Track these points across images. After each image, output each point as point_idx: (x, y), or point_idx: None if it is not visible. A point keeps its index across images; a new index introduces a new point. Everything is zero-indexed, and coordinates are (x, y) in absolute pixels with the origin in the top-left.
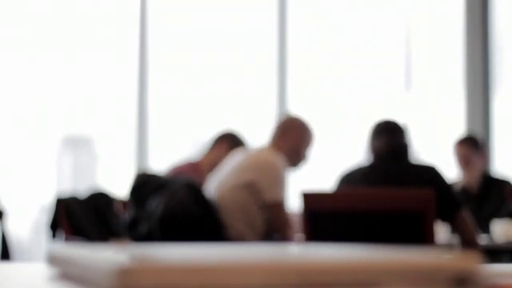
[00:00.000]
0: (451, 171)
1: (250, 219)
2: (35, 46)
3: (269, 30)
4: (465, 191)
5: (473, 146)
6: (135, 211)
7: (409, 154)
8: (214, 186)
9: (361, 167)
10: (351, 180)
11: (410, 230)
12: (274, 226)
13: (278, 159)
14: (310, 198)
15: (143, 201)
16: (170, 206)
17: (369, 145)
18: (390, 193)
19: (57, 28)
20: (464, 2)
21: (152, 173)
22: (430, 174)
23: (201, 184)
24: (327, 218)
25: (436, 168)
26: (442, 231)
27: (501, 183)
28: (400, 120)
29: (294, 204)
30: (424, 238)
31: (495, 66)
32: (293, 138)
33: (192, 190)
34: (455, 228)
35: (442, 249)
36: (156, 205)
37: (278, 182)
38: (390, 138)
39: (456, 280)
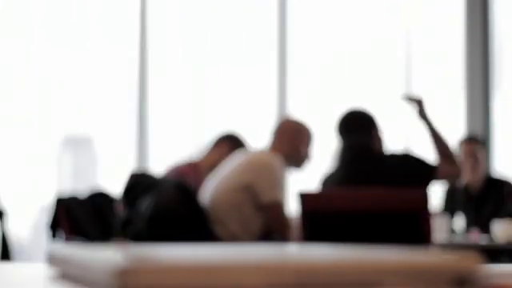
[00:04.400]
0: None
1: (245, 220)
2: (35, 46)
3: (269, 29)
4: (466, 191)
5: (478, 145)
6: (127, 211)
7: (372, 145)
8: (211, 187)
9: (336, 169)
10: (327, 183)
11: (407, 229)
12: (273, 226)
13: (276, 161)
14: (308, 199)
15: (135, 201)
16: (159, 207)
17: (337, 144)
18: (387, 193)
19: (57, 28)
20: (464, 2)
21: (144, 173)
22: (400, 160)
23: (197, 185)
24: (325, 218)
25: (407, 152)
26: (439, 230)
27: (501, 184)
28: (399, 119)
29: (293, 205)
30: (421, 237)
31: (495, 66)
32: (292, 141)
33: (181, 190)
34: (442, 171)
35: (441, 248)
36: (146, 205)
37: (276, 183)
38: (353, 136)
39: (456, 280)
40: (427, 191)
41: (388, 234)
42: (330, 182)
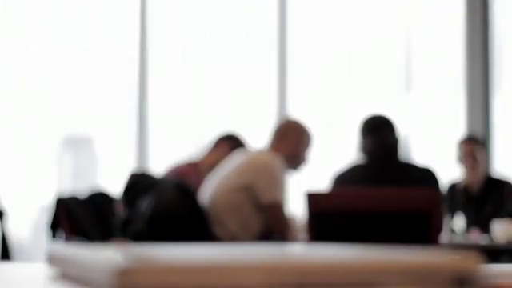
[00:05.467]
0: (451, 171)
1: (245, 220)
2: (35, 46)
3: (269, 29)
4: (466, 191)
5: (478, 145)
6: (127, 211)
7: (399, 150)
8: (211, 187)
9: (354, 167)
10: (345, 180)
11: (415, 230)
12: (273, 227)
13: (276, 161)
14: (314, 198)
15: (134, 201)
16: (159, 207)
17: (359, 143)
18: (395, 193)
19: (57, 28)
20: (464, 2)
21: (144, 173)
22: (427, 176)
23: (197, 185)
24: (332, 218)
25: (432, 171)
26: (446, 231)
27: (501, 184)
28: (398, 119)
29: (294, 205)
30: (429, 238)
31: (495, 66)
32: (292, 142)
33: (180, 190)
34: None
35: (446, 249)
36: (146, 205)
37: (276, 184)
38: (380, 137)
39: (456, 280)
40: (436, 191)
41: (396, 234)
42: (346, 178)
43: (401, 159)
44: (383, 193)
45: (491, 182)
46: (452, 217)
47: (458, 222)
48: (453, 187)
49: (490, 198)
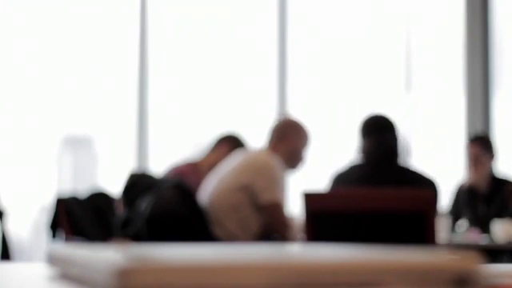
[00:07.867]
0: (451, 171)
1: (244, 220)
2: (35, 46)
3: (269, 30)
4: (471, 191)
5: (483, 146)
6: (127, 211)
7: (399, 152)
8: (210, 187)
9: (352, 167)
10: (343, 180)
11: (412, 230)
12: (272, 226)
13: (275, 161)
14: (311, 199)
15: (134, 201)
16: (158, 207)
17: (358, 143)
18: (391, 193)
19: (57, 28)
20: (464, 2)
21: (144, 173)
22: (423, 183)
23: (197, 185)
24: (329, 218)
25: (430, 178)
26: (441, 230)
27: (504, 183)
28: (398, 119)
29: (293, 205)
30: (426, 238)
31: (495, 66)
32: (290, 141)
33: (180, 190)
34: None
35: (443, 249)
36: (145, 205)
37: (275, 184)
38: (378, 138)
39: (456, 280)
40: (432, 192)
41: (393, 234)
42: (344, 179)
43: (399, 162)
44: (381, 193)
45: (497, 182)
46: (459, 217)
47: (463, 222)
48: (459, 187)
49: (496, 198)
